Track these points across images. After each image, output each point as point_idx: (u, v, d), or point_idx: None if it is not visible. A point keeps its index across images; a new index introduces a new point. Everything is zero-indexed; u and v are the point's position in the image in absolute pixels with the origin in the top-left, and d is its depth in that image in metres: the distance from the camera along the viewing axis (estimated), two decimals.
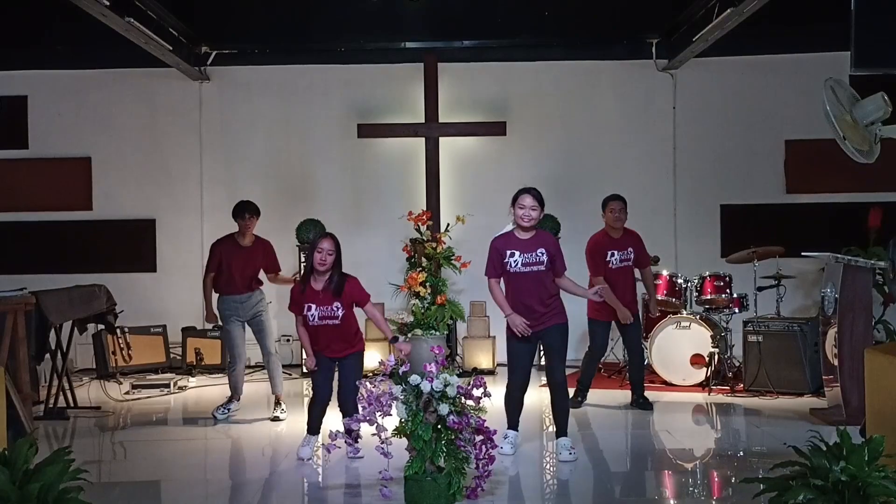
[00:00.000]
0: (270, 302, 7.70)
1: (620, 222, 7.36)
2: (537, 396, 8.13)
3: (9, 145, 10.02)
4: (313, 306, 5.89)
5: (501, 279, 5.91)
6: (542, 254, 5.84)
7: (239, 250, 7.37)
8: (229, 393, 7.40)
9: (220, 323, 7.40)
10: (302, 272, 5.95)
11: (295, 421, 7.16)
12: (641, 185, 10.02)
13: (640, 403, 7.45)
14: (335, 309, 5.89)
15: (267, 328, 7.41)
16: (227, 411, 7.32)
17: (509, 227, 6.04)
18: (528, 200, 5.85)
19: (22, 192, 10.08)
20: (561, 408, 5.99)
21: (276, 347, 7.50)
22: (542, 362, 7.83)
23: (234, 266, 7.30)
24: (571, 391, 7.47)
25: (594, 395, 7.67)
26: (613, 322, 7.42)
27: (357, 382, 5.17)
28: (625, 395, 7.73)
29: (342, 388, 5.94)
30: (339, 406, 5.95)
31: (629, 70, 10.14)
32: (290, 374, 9.09)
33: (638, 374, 7.53)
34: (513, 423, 6.10)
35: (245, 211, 7.37)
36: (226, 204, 9.85)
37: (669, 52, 9.90)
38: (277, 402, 7.36)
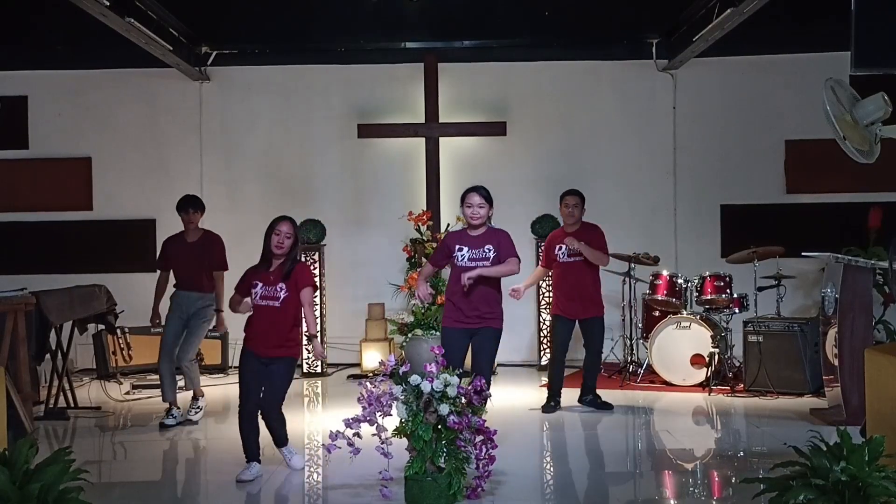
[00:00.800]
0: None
1: (573, 218, 7.35)
2: (536, 396, 8.13)
3: (9, 145, 10.02)
4: (259, 284, 5.63)
5: (442, 271, 5.99)
6: (490, 250, 5.90)
7: (182, 246, 7.29)
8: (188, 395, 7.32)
9: (161, 322, 7.33)
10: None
11: (295, 421, 7.16)
12: (641, 185, 10.03)
13: (597, 403, 7.38)
14: (278, 290, 5.60)
15: (199, 336, 7.26)
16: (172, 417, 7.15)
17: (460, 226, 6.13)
18: (475, 199, 5.99)
19: (22, 192, 10.08)
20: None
21: (192, 361, 7.31)
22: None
23: (178, 263, 7.25)
24: (618, 393, 7.54)
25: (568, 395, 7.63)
26: (577, 322, 7.37)
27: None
28: (624, 396, 7.73)
29: (267, 394, 5.62)
30: (261, 414, 5.64)
31: (629, 70, 10.14)
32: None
33: (592, 376, 7.46)
34: None
35: (187, 206, 7.28)
36: (226, 204, 9.91)
37: (669, 52, 9.90)
38: (194, 398, 7.27)
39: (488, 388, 5.69)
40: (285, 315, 5.63)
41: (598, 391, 7.51)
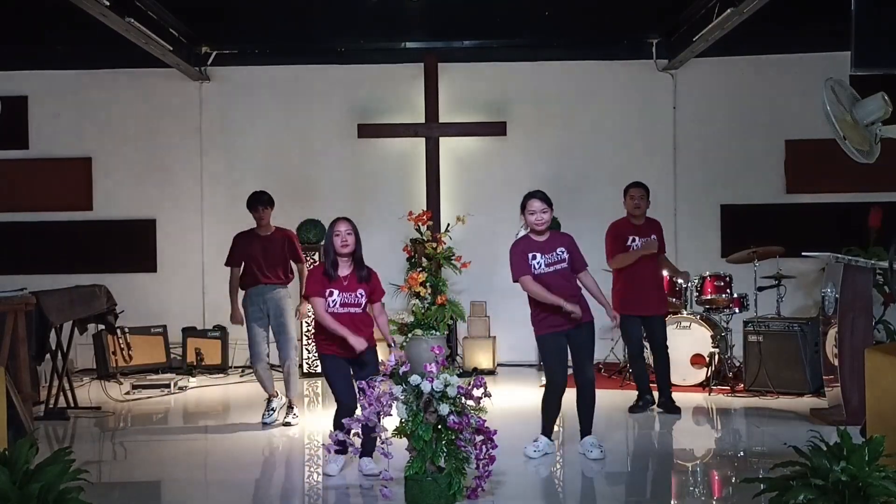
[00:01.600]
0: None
1: (640, 210, 7.32)
2: (537, 397, 8.13)
3: (9, 145, 10.02)
4: (335, 291, 5.62)
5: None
6: (563, 252, 5.89)
7: (258, 241, 7.21)
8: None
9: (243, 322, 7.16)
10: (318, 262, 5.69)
11: (289, 427, 7.17)
12: None
13: (668, 406, 7.31)
14: (359, 296, 5.66)
15: (291, 333, 7.15)
16: (270, 413, 7.09)
17: (522, 232, 6.05)
18: (537, 204, 5.91)
19: (22, 192, 10.08)
20: (588, 405, 5.97)
21: (295, 360, 7.21)
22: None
23: (255, 258, 7.13)
24: (619, 394, 7.52)
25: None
26: (641, 319, 7.30)
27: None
28: (624, 396, 7.72)
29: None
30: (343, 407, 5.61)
31: (629, 70, 10.14)
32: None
33: (664, 376, 7.41)
34: (548, 429, 6.03)
35: (258, 203, 7.24)
36: (226, 204, 9.91)
37: (669, 52, 9.90)
38: (290, 407, 7.13)
39: (594, 383, 5.95)
40: (366, 317, 5.75)
41: (600, 391, 7.49)
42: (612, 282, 7.35)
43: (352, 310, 5.68)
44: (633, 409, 7.34)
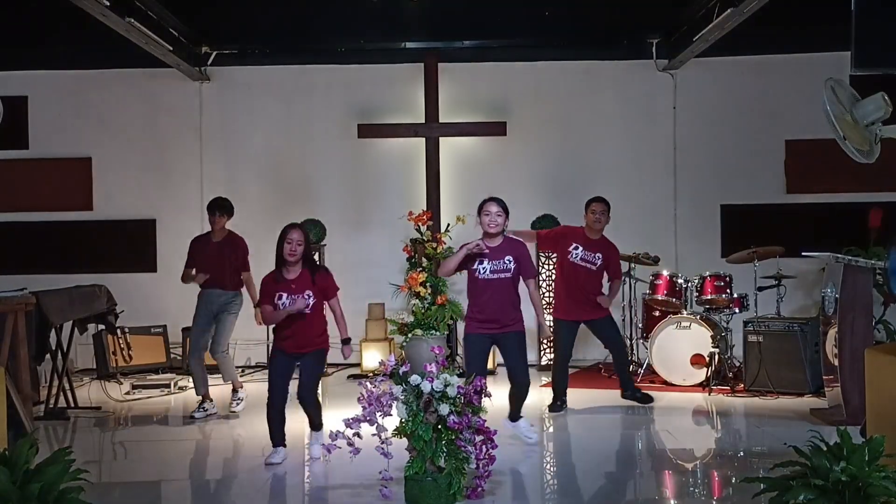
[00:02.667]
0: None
1: (600, 224, 7.36)
2: (537, 397, 8.14)
3: (9, 145, 10.02)
4: (284, 294, 5.88)
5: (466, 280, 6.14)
6: (510, 261, 6.05)
7: (209, 246, 7.48)
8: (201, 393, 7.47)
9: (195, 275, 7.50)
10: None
11: (295, 421, 7.16)
12: (641, 185, 10.04)
13: (638, 397, 7.44)
14: (306, 297, 5.88)
15: (227, 328, 7.47)
16: (202, 410, 7.39)
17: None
18: (493, 207, 6.09)
19: (22, 192, 10.09)
20: (520, 397, 6.30)
21: (225, 352, 7.54)
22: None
23: (204, 262, 7.43)
24: (578, 397, 7.61)
25: (594, 395, 7.66)
26: (583, 323, 7.39)
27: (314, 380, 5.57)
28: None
29: (302, 382, 5.94)
30: (298, 398, 5.96)
31: (629, 70, 10.14)
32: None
33: (625, 370, 7.57)
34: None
35: (214, 209, 7.48)
36: None
37: (669, 52, 9.90)
38: (234, 391, 7.52)
39: (528, 385, 6.22)
40: (314, 318, 5.95)
41: (598, 391, 7.52)
42: (555, 285, 7.58)
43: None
44: (552, 409, 7.41)
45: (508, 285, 6.06)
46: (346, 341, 6.06)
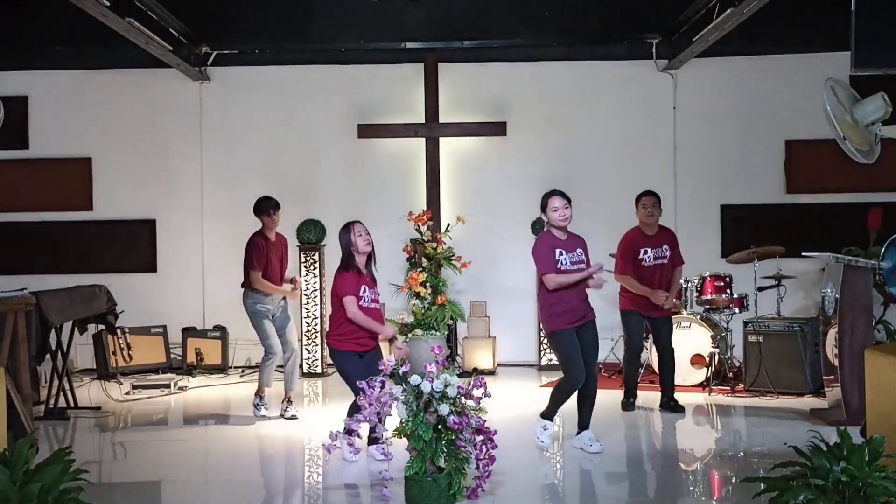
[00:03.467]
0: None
1: (653, 218, 7.34)
2: (536, 397, 8.13)
3: (9, 145, 10.01)
4: (366, 288, 6.00)
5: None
6: (581, 252, 6.08)
7: (270, 245, 7.35)
8: (256, 387, 7.39)
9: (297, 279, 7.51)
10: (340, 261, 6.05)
11: (295, 421, 7.16)
12: (641, 185, 9.96)
13: (672, 406, 7.35)
14: (377, 293, 6.10)
15: (292, 325, 7.38)
16: (260, 403, 7.32)
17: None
18: (559, 202, 6.03)
19: (22, 192, 10.09)
20: (591, 401, 6.12)
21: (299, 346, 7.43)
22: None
23: (271, 262, 7.30)
24: (620, 394, 7.57)
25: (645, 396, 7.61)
26: (646, 318, 7.36)
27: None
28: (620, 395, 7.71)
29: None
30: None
31: (629, 70, 10.13)
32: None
33: (669, 375, 7.44)
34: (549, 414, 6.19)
35: (271, 207, 7.34)
36: (226, 204, 9.92)
37: (669, 52, 9.90)
38: (290, 401, 7.27)
39: (596, 378, 6.09)
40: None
41: (600, 391, 7.49)
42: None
43: (375, 305, 6.07)
44: (625, 408, 7.40)
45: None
46: (391, 340, 6.18)
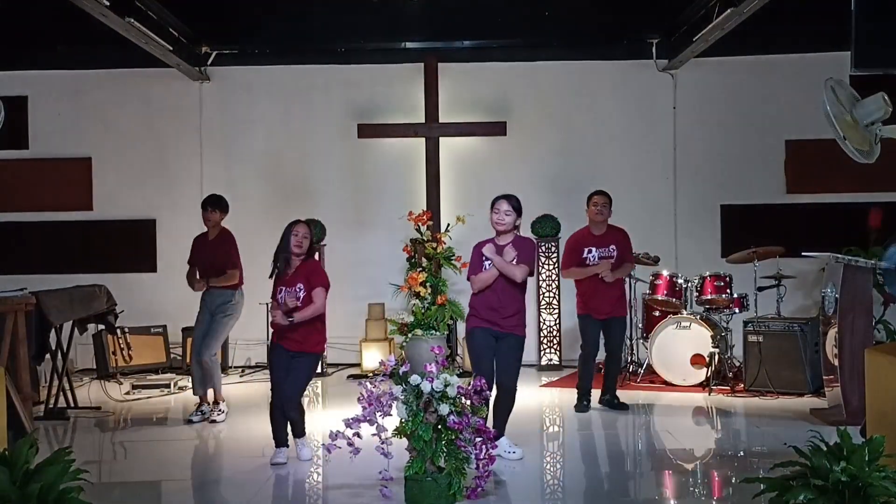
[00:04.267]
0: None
1: (602, 216, 7.33)
2: (536, 397, 8.15)
3: (9, 145, 10.02)
4: (283, 288, 5.95)
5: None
6: (514, 260, 5.93)
7: (205, 244, 7.44)
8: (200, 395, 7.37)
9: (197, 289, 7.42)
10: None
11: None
12: (641, 185, 10.03)
13: (613, 403, 7.38)
14: (297, 290, 5.90)
15: (218, 332, 7.28)
16: (198, 413, 7.29)
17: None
18: (503, 206, 6.05)
19: (22, 192, 10.09)
20: (503, 409, 5.92)
21: (215, 358, 7.32)
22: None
23: (199, 260, 7.41)
24: (574, 396, 7.49)
25: (594, 395, 7.64)
26: (601, 321, 7.33)
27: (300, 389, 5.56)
28: (625, 396, 7.71)
29: (287, 386, 5.83)
30: (282, 399, 5.82)
31: (629, 70, 10.14)
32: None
33: (612, 377, 7.47)
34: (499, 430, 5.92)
35: (207, 204, 7.43)
36: None
37: (669, 52, 9.90)
38: (215, 402, 7.33)
39: (514, 391, 5.87)
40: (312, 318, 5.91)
41: (596, 391, 7.49)
42: (575, 283, 7.43)
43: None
44: (578, 409, 7.35)
45: (511, 284, 5.94)
46: (288, 312, 5.85)
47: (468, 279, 6.03)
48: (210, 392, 7.36)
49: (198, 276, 7.41)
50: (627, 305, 7.73)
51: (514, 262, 5.88)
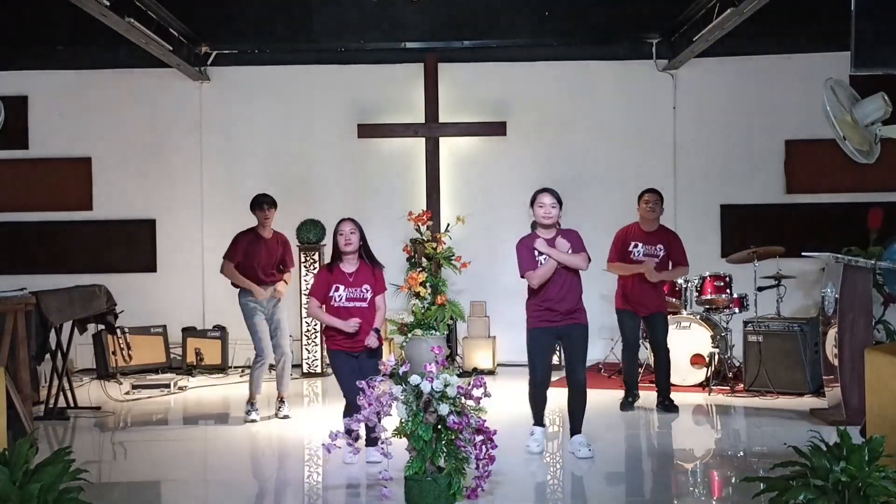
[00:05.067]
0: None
1: (654, 214, 7.34)
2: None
3: (9, 145, 10.01)
4: (341, 287, 5.91)
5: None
6: (568, 249, 5.95)
7: (261, 242, 7.35)
8: (247, 393, 7.30)
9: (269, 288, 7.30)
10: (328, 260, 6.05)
11: (295, 421, 7.17)
12: (641, 186, 9.96)
13: (666, 406, 7.34)
14: (364, 291, 5.92)
15: (284, 326, 7.35)
16: (251, 409, 7.23)
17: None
18: (547, 199, 6.04)
19: (22, 192, 10.08)
20: (578, 406, 6.03)
21: (290, 348, 7.40)
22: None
23: (257, 258, 7.28)
24: (620, 394, 7.55)
25: (594, 395, 7.61)
26: (641, 317, 7.36)
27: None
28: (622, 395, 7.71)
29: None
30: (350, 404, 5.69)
31: (629, 70, 10.13)
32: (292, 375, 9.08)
33: (663, 375, 7.43)
34: (538, 419, 6.11)
35: (264, 203, 7.36)
36: (226, 204, 9.90)
37: (669, 52, 9.90)
38: (282, 401, 7.31)
39: (585, 384, 5.95)
40: (372, 313, 5.96)
41: (598, 391, 7.50)
42: (618, 277, 7.43)
43: (358, 304, 5.93)
44: (623, 407, 7.38)
45: (570, 275, 5.94)
46: (377, 330, 5.96)
47: (522, 276, 5.99)
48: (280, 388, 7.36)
49: (259, 276, 7.25)
50: (666, 303, 7.73)
51: (570, 253, 5.90)
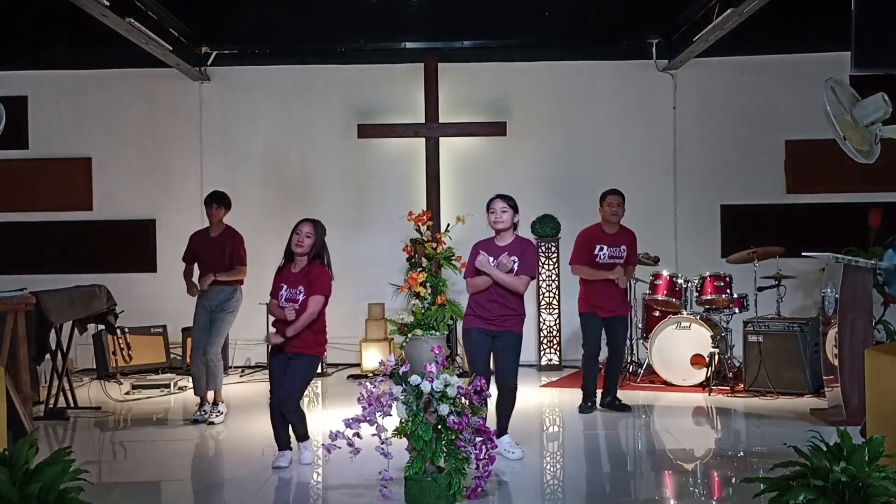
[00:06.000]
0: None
1: (617, 216, 7.32)
2: (536, 398, 8.15)
3: (9, 145, 10.00)
4: (284, 286, 5.88)
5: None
6: (514, 261, 5.90)
7: (208, 240, 7.41)
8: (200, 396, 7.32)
9: (200, 289, 7.30)
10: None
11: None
12: (641, 185, 10.02)
13: (615, 405, 7.36)
14: (298, 292, 5.82)
15: (218, 329, 7.27)
16: (202, 413, 7.25)
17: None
18: (498, 204, 6.04)
19: (22, 192, 10.09)
20: (506, 408, 5.95)
21: (219, 356, 7.32)
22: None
23: (202, 256, 7.37)
24: (576, 396, 7.48)
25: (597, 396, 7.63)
26: (603, 319, 7.32)
27: (299, 387, 5.52)
28: (625, 396, 7.71)
29: (284, 389, 5.73)
30: (280, 402, 5.73)
31: (629, 70, 10.14)
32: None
33: (615, 377, 7.45)
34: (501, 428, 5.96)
35: (212, 200, 7.41)
36: None
37: (669, 52, 9.90)
38: (204, 404, 7.29)
39: (515, 390, 5.86)
40: (300, 314, 5.80)
41: (600, 391, 7.49)
42: (580, 280, 7.41)
43: (292, 305, 5.84)
44: (583, 410, 7.32)
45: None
46: (281, 329, 5.81)
47: (465, 279, 5.99)
48: (210, 393, 7.33)
49: (197, 274, 7.36)
50: (629, 305, 7.70)
51: (514, 269, 5.84)
